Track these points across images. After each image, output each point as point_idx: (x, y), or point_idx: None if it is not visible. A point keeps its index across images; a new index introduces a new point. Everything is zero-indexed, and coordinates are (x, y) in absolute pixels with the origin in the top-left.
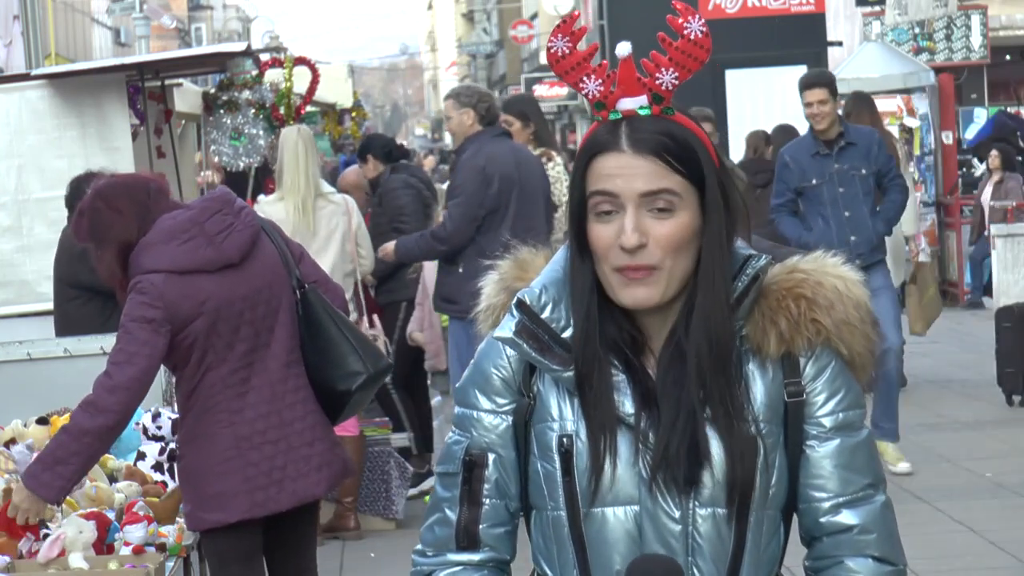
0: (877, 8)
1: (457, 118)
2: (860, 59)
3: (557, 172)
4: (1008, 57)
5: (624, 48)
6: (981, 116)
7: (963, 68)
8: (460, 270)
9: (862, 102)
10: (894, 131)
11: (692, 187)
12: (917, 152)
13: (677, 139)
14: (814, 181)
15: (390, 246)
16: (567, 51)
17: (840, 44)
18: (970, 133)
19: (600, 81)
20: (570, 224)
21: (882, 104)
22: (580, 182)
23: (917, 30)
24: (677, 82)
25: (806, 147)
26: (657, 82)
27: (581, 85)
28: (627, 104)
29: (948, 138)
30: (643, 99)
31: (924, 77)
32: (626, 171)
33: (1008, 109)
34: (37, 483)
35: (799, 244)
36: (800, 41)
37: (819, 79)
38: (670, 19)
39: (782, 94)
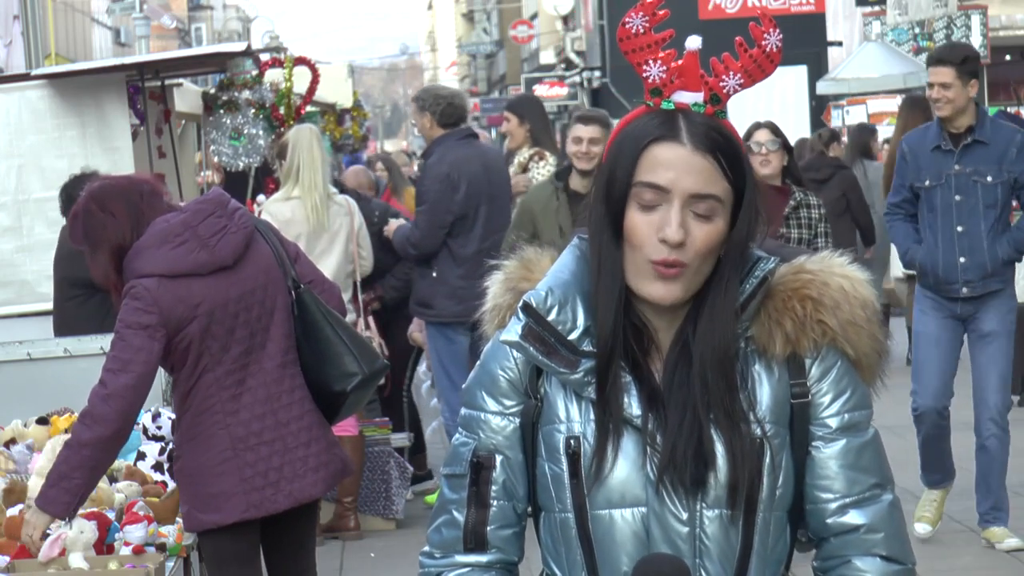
0: (877, 8)
1: (420, 122)
2: (860, 59)
3: (548, 171)
4: (1008, 57)
5: (694, 42)
6: None
7: None
8: (434, 275)
9: (915, 106)
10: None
11: (732, 195)
12: None
13: (731, 143)
14: (927, 182)
15: (392, 226)
16: (642, 30)
17: (840, 44)
18: None
19: (664, 68)
20: (606, 209)
21: (882, 104)
22: (629, 168)
23: (917, 30)
24: (740, 88)
25: (929, 138)
26: (721, 84)
27: (644, 67)
28: (683, 97)
29: None
30: (700, 96)
31: (924, 77)
32: (682, 165)
33: (1008, 109)
34: (45, 501)
35: (904, 258)
36: (800, 41)
37: (945, 55)
38: (752, 27)
39: (781, 94)
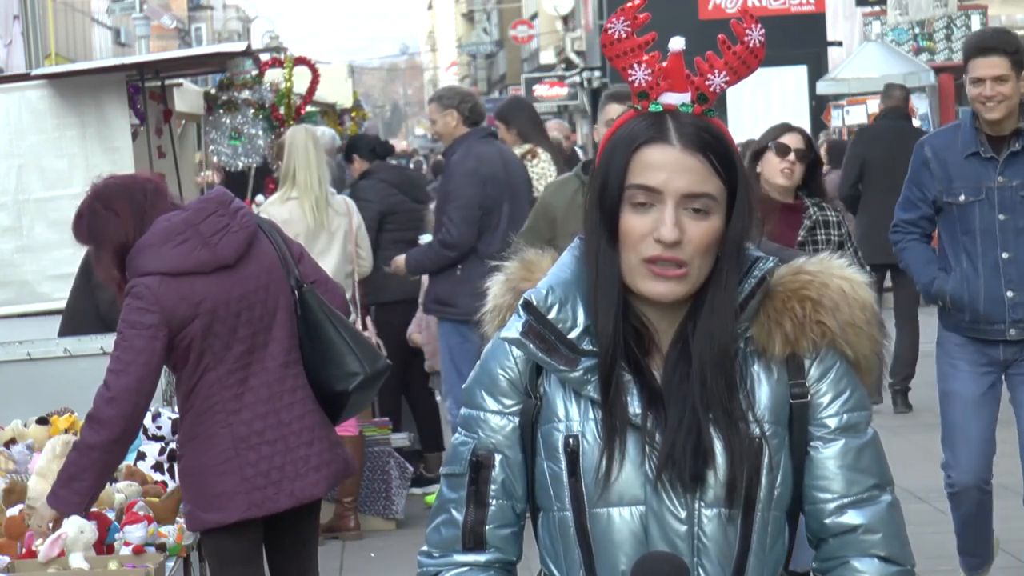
0: (877, 8)
1: (442, 120)
2: (860, 59)
3: (542, 168)
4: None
5: (677, 43)
6: None
7: (963, 68)
8: (458, 272)
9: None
10: None
11: (725, 192)
12: None
13: (721, 141)
14: (962, 196)
15: (400, 260)
16: (624, 35)
17: (840, 44)
18: None
19: (650, 71)
20: (601, 213)
21: None
22: (621, 172)
23: (917, 30)
24: (726, 86)
25: (962, 142)
26: (707, 83)
27: (629, 72)
28: (670, 99)
29: None
30: (687, 96)
31: (924, 77)
32: (673, 166)
33: None
34: (57, 500)
35: (927, 289)
36: (800, 41)
37: (996, 42)
38: (733, 24)
39: (781, 94)
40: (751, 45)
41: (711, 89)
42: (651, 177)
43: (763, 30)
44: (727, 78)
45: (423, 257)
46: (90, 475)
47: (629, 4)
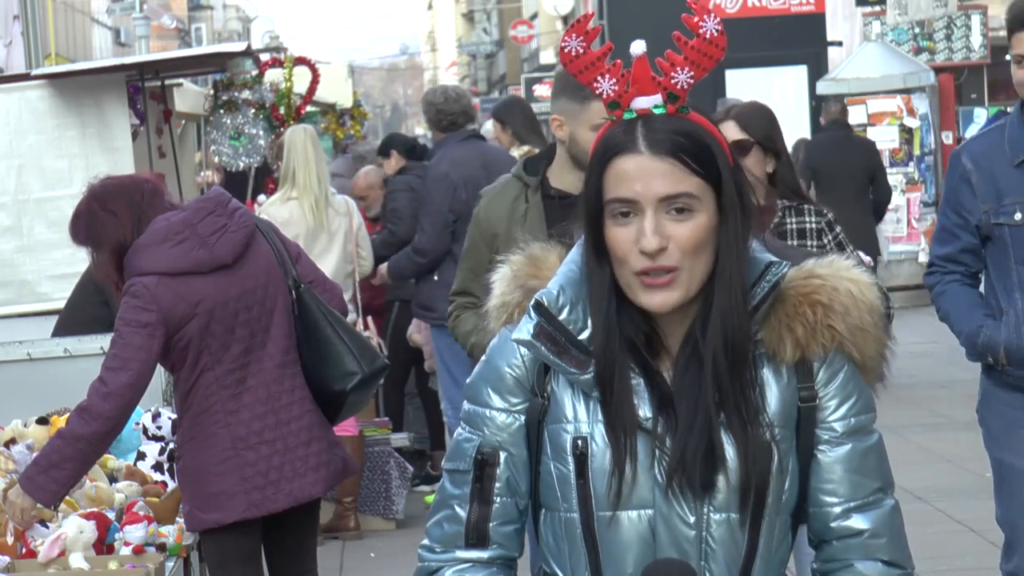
0: (877, 8)
1: (428, 129)
2: (860, 59)
3: None
4: (1008, 57)
5: (639, 47)
6: (981, 116)
7: (963, 68)
8: (436, 278)
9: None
10: (894, 131)
11: (709, 188)
12: (917, 152)
13: (694, 139)
14: (1018, 215)
15: (383, 267)
16: (581, 51)
17: (840, 44)
18: (970, 133)
19: (615, 80)
20: (586, 227)
21: (882, 104)
22: (597, 185)
23: (917, 30)
24: (692, 81)
25: (1009, 145)
26: (672, 81)
27: (595, 84)
28: (641, 103)
29: (948, 138)
30: (658, 98)
31: (924, 77)
32: (644, 174)
33: (1008, 109)
34: (33, 486)
35: (973, 346)
36: (800, 41)
37: None
38: (685, 18)
39: (781, 94)
40: (707, 36)
41: (678, 87)
42: (625, 189)
43: (718, 19)
44: (691, 73)
45: (399, 263)
46: (72, 465)
47: (577, 20)
